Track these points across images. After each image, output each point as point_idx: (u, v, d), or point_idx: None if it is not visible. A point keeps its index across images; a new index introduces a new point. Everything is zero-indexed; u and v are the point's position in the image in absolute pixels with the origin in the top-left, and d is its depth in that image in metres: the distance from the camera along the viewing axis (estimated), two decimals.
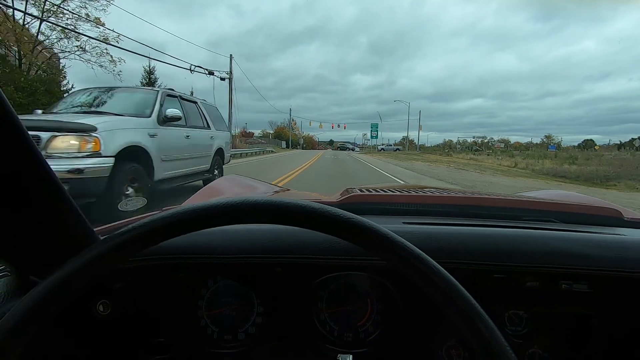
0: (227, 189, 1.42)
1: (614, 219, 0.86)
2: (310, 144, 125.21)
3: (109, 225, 0.70)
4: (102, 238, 0.48)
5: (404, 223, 0.72)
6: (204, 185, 1.64)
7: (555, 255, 0.62)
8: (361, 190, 0.97)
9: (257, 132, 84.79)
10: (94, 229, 0.51)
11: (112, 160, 4.00)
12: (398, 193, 0.96)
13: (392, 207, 0.87)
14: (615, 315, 0.66)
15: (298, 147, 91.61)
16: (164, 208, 0.75)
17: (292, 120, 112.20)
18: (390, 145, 75.57)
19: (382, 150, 73.88)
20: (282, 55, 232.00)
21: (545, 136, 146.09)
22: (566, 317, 0.67)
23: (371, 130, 50.36)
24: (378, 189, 1.01)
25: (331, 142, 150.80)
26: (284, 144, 70.94)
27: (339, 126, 72.15)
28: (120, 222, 0.73)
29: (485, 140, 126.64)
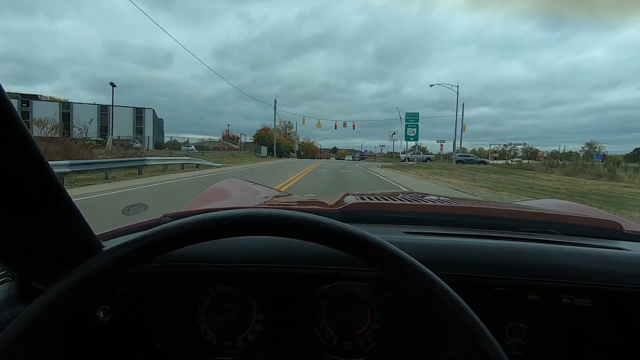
0: (231, 192, 1.39)
1: (614, 232, 0.84)
2: (310, 152, 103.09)
3: (111, 230, 0.71)
4: (105, 246, 0.49)
5: (405, 233, 0.72)
6: None
7: (557, 270, 0.61)
8: (362, 198, 0.95)
9: (249, 138, 62.66)
10: (96, 234, 0.50)
11: None
12: (399, 201, 0.94)
13: (393, 216, 0.85)
14: (616, 330, 0.65)
15: (291, 154, 68.94)
16: (164, 214, 0.82)
17: (288, 123, 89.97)
18: (419, 154, 52.34)
19: (406, 161, 51.07)
20: (289, 63, 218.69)
21: (587, 144, 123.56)
22: (566, 330, 0.67)
23: (406, 127, 26.83)
24: (378, 197, 1.00)
25: (335, 150, 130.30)
26: (264, 150, 47.69)
27: (344, 125, 49.30)
28: (121, 227, 0.73)
29: (507, 149, 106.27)
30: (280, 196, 1.39)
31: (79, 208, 0.46)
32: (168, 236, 0.36)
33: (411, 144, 32.00)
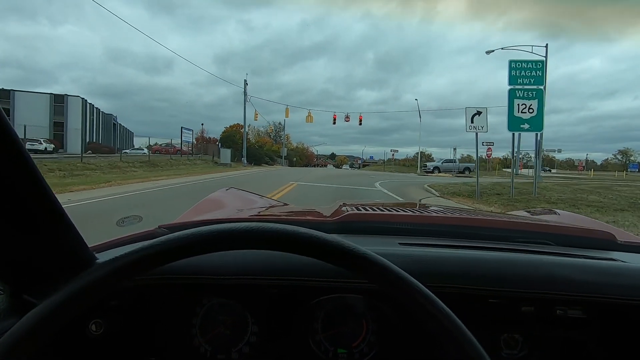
0: (227, 202, 1.36)
1: (608, 242, 0.83)
2: (305, 158, 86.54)
3: (104, 242, 0.70)
4: (98, 258, 0.48)
5: (399, 244, 0.71)
6: None
7: (550, 282, 0.60)
8: (357, 208, 0.95)
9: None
10: (90, 246, 0.49)
11: None
12: (394, 212, 0.94)
13: (388, 226, 0.85)
14: (610, 341, 0.65)
15: (278, 160, 52.34)
16: (159, 225, 0.81)
17: (278, 124, 73.31)
18: (454, 161, 35.67)
19: (433, 171, 34.42)
20: (290, 70, 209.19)
21: (619, 151, 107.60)
22: (562, 342, 0.66)
23: (512, 96, 10.42)
24: (374, 207, 0.99)
25: (333, 156, 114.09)
26: (227, 154, 30.68)
27: (347, 119, 32.56)
28: (115, 239, 0.72)
29: (520, 156, 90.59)
30: (276, 206, 1.34)
31: (72, 220, 0.44)
32: (163, 250, 0.35)
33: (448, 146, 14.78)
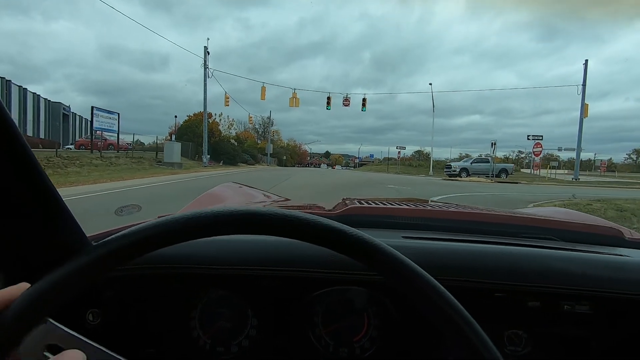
0: (228, 196, 1.36)
1: (615, 239, 0.81)
2: (297, 156, 77.46)
3: (103, 231, 0.69)
4: (94, 244, 0.46)
5: (403, 237, 0.70)
6: None
7: (557, 276, 0.59)
8: (360, 202, 0.94)
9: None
10: (88, 235, 0.48)
11: None
12: (397, 206, 0.93)
13: (392, 220, 0.83)
14: (615, 338, 0.64)
15: (263, 159, 43.30)
16: (159, 215, 0.82)
17: (267, 119, 64.13)
18: (486, 160, 26.62)
19: (460, 174, 25.48)
20: (286, 68, 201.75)
21: (634, 150, 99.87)
22: (565, 339, 0.65)
23: None
24: (377, 201, 0.98)
25: (327, 155, 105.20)
26: (175, 150, 21.17)
27: (346, 103, 23.40)
28: (114, 228, 0.71)
29: (521, 156, 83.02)
30: (279, 201, 1.35)
31: (68, 207, 0.43)
32: (161, 232, 0.34)
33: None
